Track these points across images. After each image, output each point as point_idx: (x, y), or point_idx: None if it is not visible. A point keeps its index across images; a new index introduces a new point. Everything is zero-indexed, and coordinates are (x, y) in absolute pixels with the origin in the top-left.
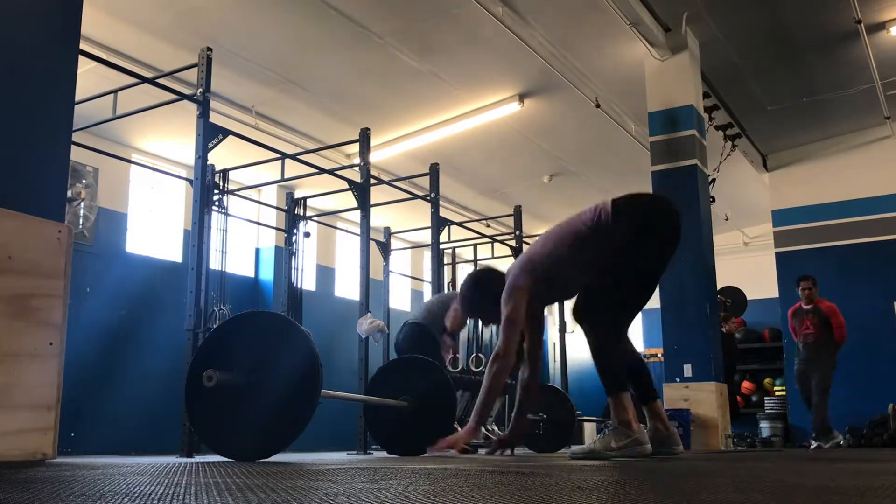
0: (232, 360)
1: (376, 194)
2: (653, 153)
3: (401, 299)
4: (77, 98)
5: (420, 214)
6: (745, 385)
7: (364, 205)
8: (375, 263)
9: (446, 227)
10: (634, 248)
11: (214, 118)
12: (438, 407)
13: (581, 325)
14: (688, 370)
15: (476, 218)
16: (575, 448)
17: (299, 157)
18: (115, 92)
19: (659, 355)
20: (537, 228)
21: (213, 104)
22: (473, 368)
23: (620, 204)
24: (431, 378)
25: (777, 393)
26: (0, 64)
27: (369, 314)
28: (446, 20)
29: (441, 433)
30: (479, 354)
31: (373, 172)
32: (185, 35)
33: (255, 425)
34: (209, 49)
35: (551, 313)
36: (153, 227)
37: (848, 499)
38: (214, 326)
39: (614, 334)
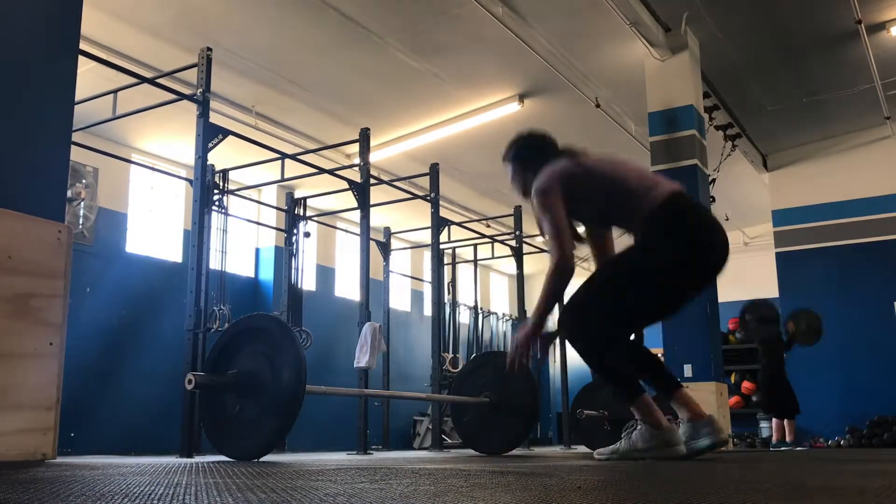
0: (232, 362)
1: (376, 194)
2: (653, 153)
3: (401, 299)
4: (77, 98)
5: (420, 214)
6: (745, 385)
7: (364, 205)
8: (375, 263)
9: (446, 227)
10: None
11: (214, 118)
12: (521, 404)
13: (566, 337)
14: (688, 370)
15: (476, 218)
16: (600, 450)
17: (299, 157)
18: (115, 92)
19: (659, 355)
20: (537, 229)
21: (213, 104)
22: (451, 368)
23: (661, 214)
24: (516, 374)
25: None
26: (0, 64)
27: (366, 344)
28: (446, 20)
29: (524, 430)
30: (456, 355)
31: (373, 172)
32: (185, 35)
33: (249, 424)
34: (209, 49)
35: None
36: (153, 227)
37: (848, 499)
38: (214, 327)
39: (603, 340)
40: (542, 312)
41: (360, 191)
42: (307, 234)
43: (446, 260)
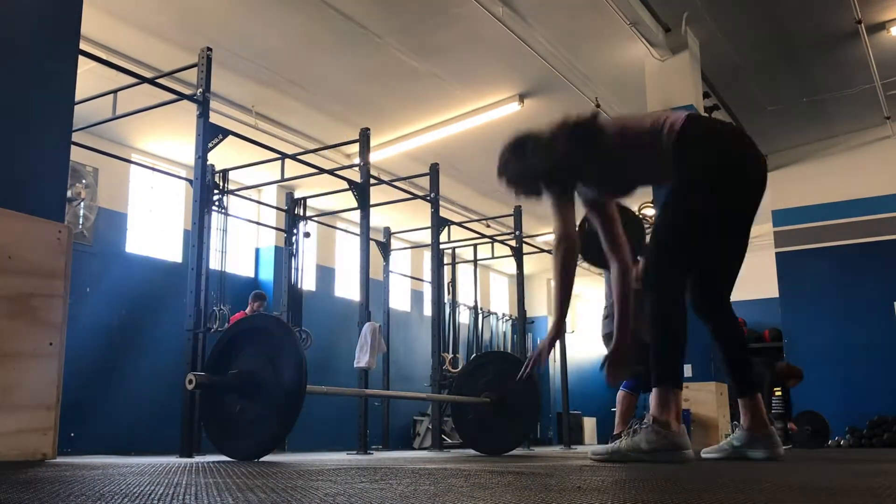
0: (233, 362)
1: (376, 194)
2: None
3: (401, 299)
4: (77, 98)
5: (420, 214)
6: None
7: (364, 205)
8: (375, 263)
9: (446, 227)
10: (704, 185)
11: (214, 118)
12: (521, 404)
13: (644, 289)
14: (688, 370)
15: (476, 218)
16: (595, 448)
17: (299, 157)
18: (114, 92)
19: None
20: (537, 228)
21: (213, 104)
22: (451, 368)
23: (690, 134)
24: (516, 374)
25: (777, 393)
26: (0, 64)
27: (366, 344)
28: (446, 20)
29: (524, 430)
30: (456, 355)
31: (373, 172)
32: (185, 35)
33: (249, 424)
34: (209, 49)
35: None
36: (153, 227)
37: (847, 499)
38: (214, 327)
39: (677, 297)
40: (560, 308)
41: (360, 191)
42: (307, 234)
43: (446, 260)
